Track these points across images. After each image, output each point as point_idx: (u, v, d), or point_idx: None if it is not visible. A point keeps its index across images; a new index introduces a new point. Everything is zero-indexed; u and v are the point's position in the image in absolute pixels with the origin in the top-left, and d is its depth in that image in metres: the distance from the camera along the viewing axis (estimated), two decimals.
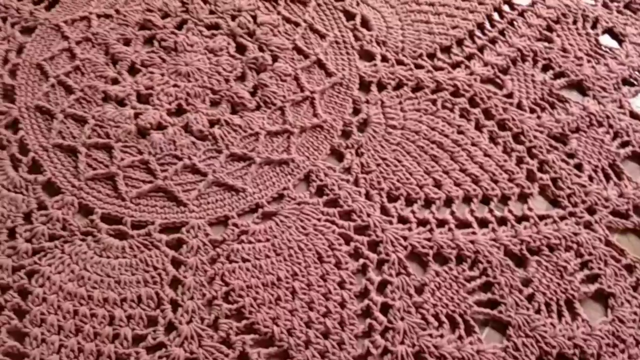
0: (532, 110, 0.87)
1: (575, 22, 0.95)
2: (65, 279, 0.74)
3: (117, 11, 0.96)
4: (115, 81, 0.90)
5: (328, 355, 0.70)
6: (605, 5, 0.97)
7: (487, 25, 0.96)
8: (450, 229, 0.78)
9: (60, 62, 0.91)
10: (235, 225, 0.79)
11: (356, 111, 0.88)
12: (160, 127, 0.86)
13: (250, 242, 0.77)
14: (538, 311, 0.73)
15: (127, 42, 0.93)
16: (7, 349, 0.71)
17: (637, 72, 0.90)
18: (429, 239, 0.77)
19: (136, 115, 0.86)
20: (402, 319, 0.72)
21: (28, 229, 0.78)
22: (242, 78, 0.91)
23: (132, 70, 0.91)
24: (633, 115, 0.87)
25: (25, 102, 0.87)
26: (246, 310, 0.73)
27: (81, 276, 0.75)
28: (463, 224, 0.79)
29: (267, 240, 0.77)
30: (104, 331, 0.71)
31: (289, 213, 0.79)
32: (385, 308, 0.73)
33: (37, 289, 0.74)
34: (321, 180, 0.82)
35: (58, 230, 0.78)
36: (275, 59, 0.92)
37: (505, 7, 0.97)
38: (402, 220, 0.79)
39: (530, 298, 0.74)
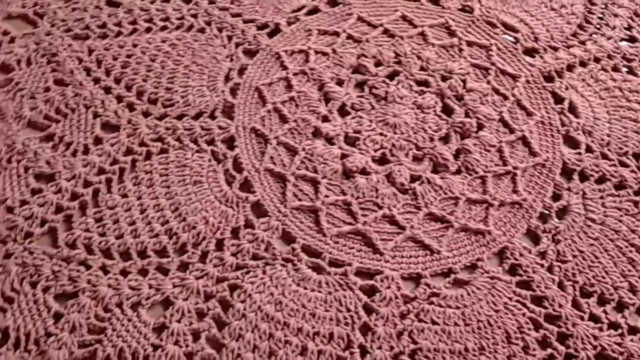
0: None
1: None
2: (265, 300, 0.79)
3: (334, 51, 1.01)
4: (325, 119, 0.94)
5: None
6: None
7: None
8: None
9: (277, 90, 0.97)
10: (427, 285, 0.81)
11: (556, 197, 0.88)
12: (364, 172, 0.89)
13: (440, 306, 0.79)
14: None
15: (339, 83, 0.98)
16: (205, 355, 0.75)
17: None
18: (619, 344, 0.77)
19: (343, 156, 0.90)
20: None
21: (235, 243, 0.83)
22: (446, 139, 0.93)
23: (342, 111, 0.95)
24: None
25: (243, 121, 0.93)
26: None
27: (279, 301, 0.79)
28: None
29: (458, 307, 0.79)
30: None
31: (481, 285, 0.81)
32: None
33: (238, 303, 0.78)
34: (516, 259, 0.83)
35: (262, 251, 0.83)
36: (480, 127, 0.94)
37: None
38: (593, 318, 0.79)
39: None
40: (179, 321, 0.77)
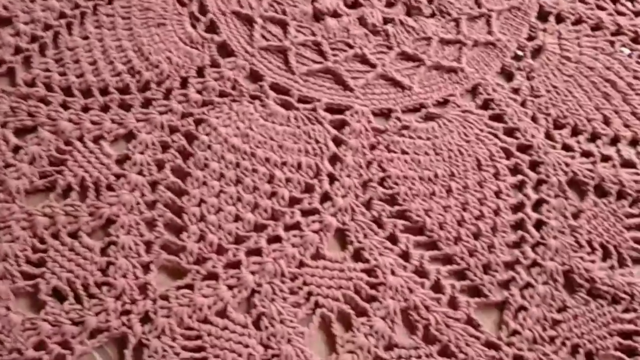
0: None
1: None
2: (231, 133, 0.77)
3: None
4: None
5: (476, 255, 0.70)
6: None
7: None
8: (614, 166, 0.77)
9: None
10: (397, 119, 0.79)
11: (531, 37, 0.86)
12: (335, 14, 0.87)
13: (410, 137, 0.78)
14: None
15: None
16: (169, 183, 0.73)
17: None
18: (591, 170, 0.76)
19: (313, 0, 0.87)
20: (555, 237, 0.72)
21: (200, 81, 0.80)
22: None
23: None
24: None
25: None
26: (400, 197, 0.74)
27: (246, 134, 0.77)
28: (627, 164, 0.77)
29: (428, 139, 0.78)
30: (263, 187, 0.73)
31: (452, 118, 0.79)
32: (539, 224, 0.73)
33: (203, 136, 0.76)
34: (488, 94, 0.81)
35: (228, 88, 0.80)
36: None
37: None
38: (566, 147, 0.78)
39: None
40: (142, 153, 0.75)
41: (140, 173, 0.74)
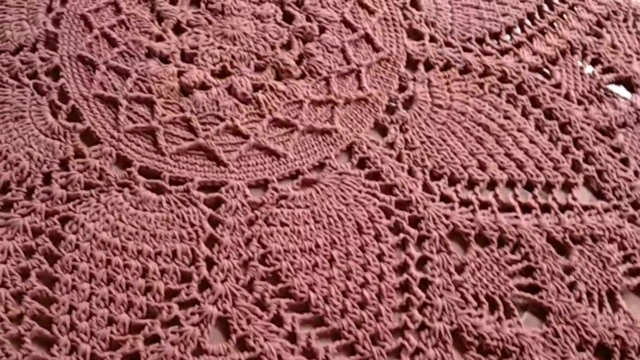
0: (580, 102, 0.86)
1: (625, 20, 0.94)
2: (100, 228, 0.73)
3: None
4: (159, 38, 0.88)
5: (364, 326, 0.68)
6: None
7: (537, 15, 0.94)
8: (493, 212, 0.77)
9: (105, 15, 0.90)
10: (275, 189, 0.77)
11: (402, 88, 0.86)
12: (203, 87, 0.84)
13: (289, 207, 0.76)
14: (579, 300, 0.72)
15: (173, 1, 0.92)
16: (36, 292, 0.69)
17: None
18: (471, 220, 0.76)
19: (180, 74, 0.85)
20: (441, 296, 0.71)
21: (64, 175, 0.76)
22: (288, 46, 0.89)
23: (178, 30, 0.90)
24: None
25: (68, 50, 0.86)
26: (282, 274, 0.71)
27: (116, 226, 0.73)
28: (506, 208, 0.78)
29: (307, 207, 0.76)
30: (136, 283, 0.70)
31: (329, 182, 0.78)
32: (424, 284, 0.72)
33: (70, 235, 0.72)
34: (364, 153, 0.80)
35: (94, 179, 0.76)
36: (322, 30, 0.90)
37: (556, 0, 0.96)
38: (445, 199, 0.78)
39: (572, 286, 0.72)
40: (4, 262, 0.70)
41: (3, 285, 0.69)
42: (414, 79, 0.87)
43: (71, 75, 0.84)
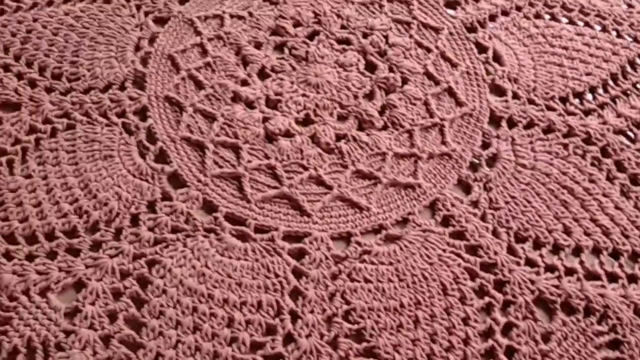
0: None
1: None
2: (187, 273, 0.73)
3: (250, 14, 0.96)
4: (244, 83, 0.90)
5: None
6: None
7: (620, 76, 0.94)
8: (579, 279, 0.76)
9: (192, 57, 0.91)
10: (358, 243, 0.77)
11: (485, 145, 0.86)
12: (287, 134, 0.85)
13: (372, 263, 0.76)
14: None
15: (258, 46, 0.93)
16: (124, 336, 0.69)
17: None
18: (557, 286, 0.75)
19: (264, 120, 0.86)
20: None
21: (152, 217, 0.77)
22: (370, 96, 0.90)
23: (262, 75, 0.91)
24: None
25: (156, 91, 0.88)
26: (367, 332, 0.71)
27: (202, 273, 0.74)
28: (592, 276, 0.77)
29: (391, 264, 0.76)
30: (222, 333, 0.70)
31: (413, 239, 0.78)
32: (510, 351, 0.71)
33: (157, 279, 0.73)
34: (448, 210, 0.80)
35: (181, 223, 0.77)
36: (405, 81, 0.91)
37: (639, 61, 0.96)
38: (530, 263, 0.77)
39: None
40: (92, 303, 0.71)
41: (91, 327, 0.70)
42: (498, 136, 0.86)
43: (159, 116, 0.85)
